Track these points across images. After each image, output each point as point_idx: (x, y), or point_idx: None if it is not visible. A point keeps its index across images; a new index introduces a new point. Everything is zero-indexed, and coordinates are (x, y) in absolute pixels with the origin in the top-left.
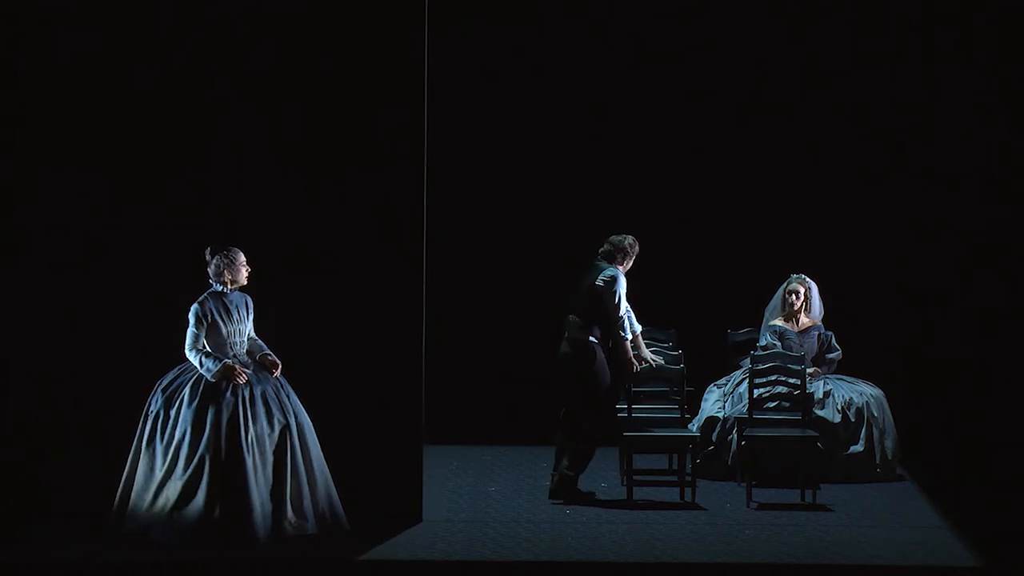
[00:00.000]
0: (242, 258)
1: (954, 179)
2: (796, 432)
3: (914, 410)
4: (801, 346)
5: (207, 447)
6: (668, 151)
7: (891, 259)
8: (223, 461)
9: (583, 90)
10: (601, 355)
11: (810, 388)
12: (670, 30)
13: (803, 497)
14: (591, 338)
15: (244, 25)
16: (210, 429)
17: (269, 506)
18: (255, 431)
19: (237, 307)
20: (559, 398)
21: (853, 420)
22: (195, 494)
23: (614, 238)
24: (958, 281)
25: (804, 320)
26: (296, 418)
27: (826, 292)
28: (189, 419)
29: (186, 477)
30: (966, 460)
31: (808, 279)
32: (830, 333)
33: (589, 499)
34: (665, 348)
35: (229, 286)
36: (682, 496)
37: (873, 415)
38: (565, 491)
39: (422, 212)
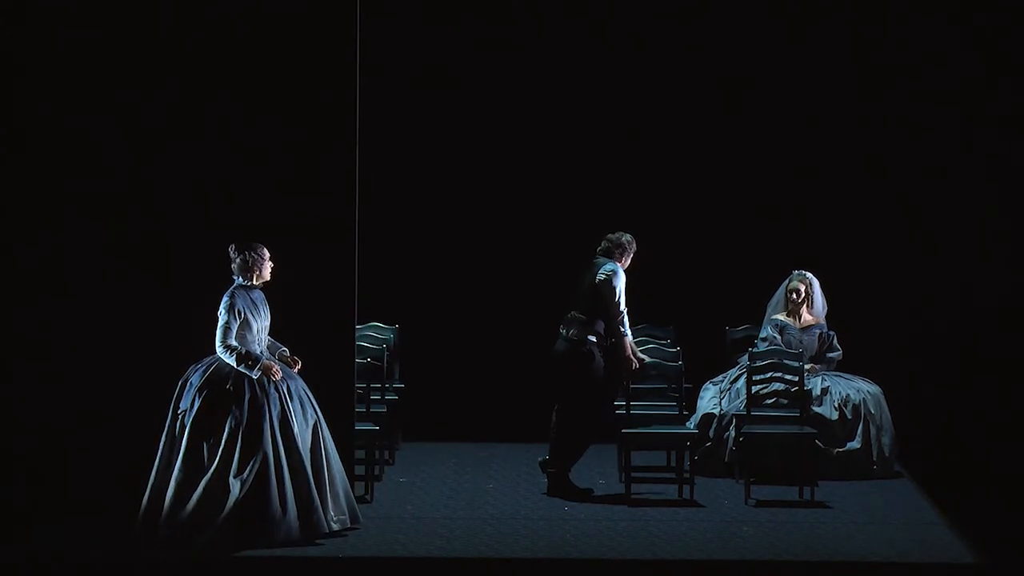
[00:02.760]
0: (267, 254)
1: (955, 177)
2: (794, 429)
3: (913, 407)
4: (800, 342)
5: (267, 447)
6: (667, 148)
7: (891, 256)
8: (285, 458)
9: (583, 85)
10: (598, 355)
11: (808, 385)
12: (670, 24)
13: (801, 494)
14: (590, 336)
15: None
16: (266, 428)
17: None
18: (298, 428)
19: (261, 303)
20: (553, 395)
21: (850, 417)
22: (261, 492)
23: (611, 236)
24: (958, 278)
25: (807, 317)
26: (319, 413)
27: (824, 288)
28: (238, 417)
29: (247, 477)
30: (964, 457)
31: (809, 275)
32: (832, 333)
33: (587, 495)
34: (663, 345)
35: (255, 281)
36: (680, 493)
37: (870, 412)
38: (560, 489)
39: (354, 211)
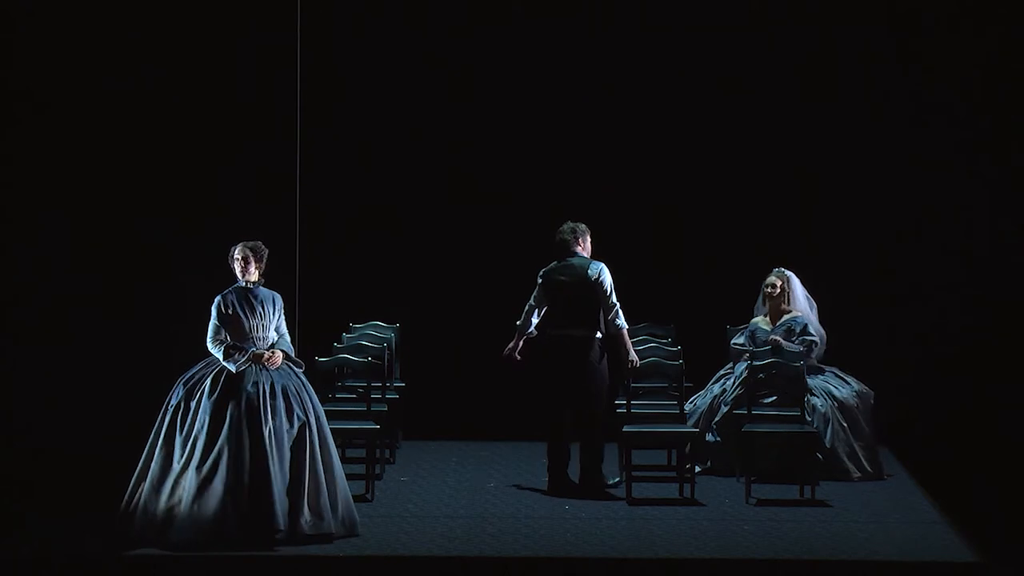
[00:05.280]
0: (244, 252)
1: (952, 176)
2: (794, 428)
3: (912, 405)
4: (767, 341)
5: (226, 439)
6: (667, 148)
7: (891, 254)
8: (242, 454)
9: (585, 85)
10: (603, 349)
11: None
12: (669, 21)
13: (801, 493)
14: (593, 332)
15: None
16: (229, 421)
17: (287, 502)
18: (273, 425)
19: (263, 302)
20: (560, 397)
21: (816, 425)
22: (211, 487)
23: (564, 228)
24: (958, 276)
25: (787, 314)
26: (316, 417)
27: (825, 287)
28: (208, 410)
29: (204, 470)
30: (964, 455)
31: (787, 272)
32: (803, 322)
33: (615, 488)
34: (664, 344)
35: (247, 279)
36: (681, 492)
37: (839, 423)
38: (594, 484)
39: (295, 215)
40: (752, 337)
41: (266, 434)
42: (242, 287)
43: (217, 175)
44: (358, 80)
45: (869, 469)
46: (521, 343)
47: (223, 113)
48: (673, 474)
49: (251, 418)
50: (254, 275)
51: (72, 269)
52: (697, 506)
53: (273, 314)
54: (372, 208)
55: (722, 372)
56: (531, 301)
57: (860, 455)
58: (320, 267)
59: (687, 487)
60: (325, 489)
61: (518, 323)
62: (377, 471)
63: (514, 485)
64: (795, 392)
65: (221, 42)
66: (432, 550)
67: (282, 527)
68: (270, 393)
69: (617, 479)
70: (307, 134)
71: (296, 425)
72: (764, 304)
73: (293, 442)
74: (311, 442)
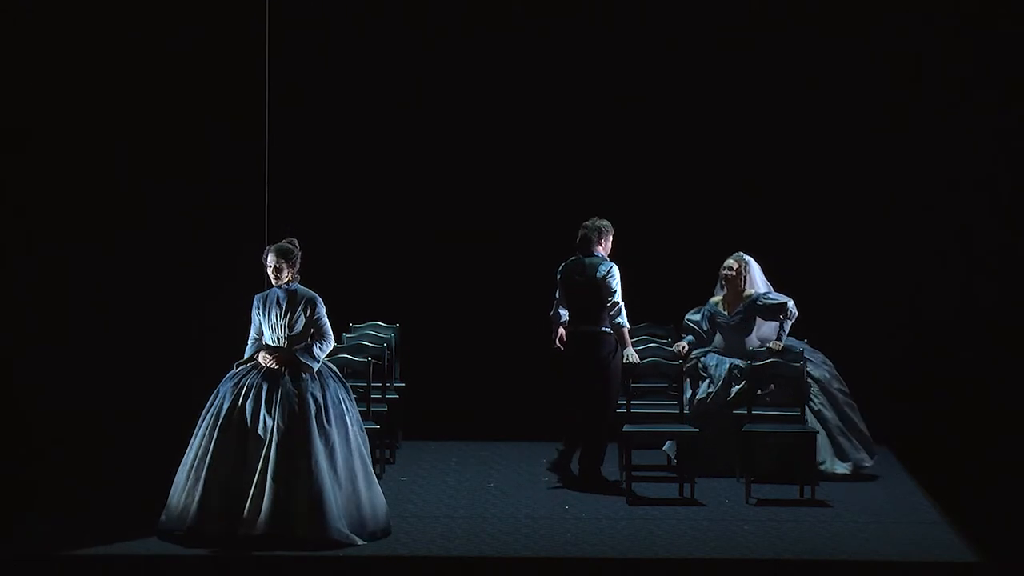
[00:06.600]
0: (269, 257)
1: (946, 174)
2: (795, 428)
3: (912, 405)
4: (730, 324)
5: (200, 436)
6: (667, 148)
7: (890, 253)
8: (199, 450)
9: (588, 85)
10: (614, 348)
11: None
12: (669, 23)
13: (802, 493)
14: (604, 328)
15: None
16: (205, 418)
17: (194, 498)
18: (231, 421)
19: (290, 304)
20: (574, 393)
21: None
22: (176, 479)
23: (587, 224)
24: (958, 274)
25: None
26: (295, 422)
27: (824, 286)
28: (206, 408)
29: (184, 464)
30: (964, 455)
31: (746, 256)
32: (761, 293)
33: (617, 487)
34: (663, 344)
35: (277, 281)
36: (681, 492)
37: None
38: (593, 482)
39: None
40: (711, 319)
41: (215, 430)
42: (274, 289)
43: (214, 175)
44: (357, 78)
45: (854, 465)
46: (561, 331)
47: (221, 112)
48: (673, 474)
49: (213, 414)
50: (285, 277)
51: (70, 269)
52: (697, 506)
53: (300, 315)
54: (372, 208)
55: (689, 364)
56: (556, 295)
57: (845, 450)
58: (320, 267)
59: (687, 487)
60: (279, 496)
61: (551, 314)
62: (377, 471)
63: (514, 485)
64: (796, 391)
65: (220, 43)
66: (432, 550)
67: (187, 524)
68: (245, 392)
69: (617, 480)
70: (306, 134)
71: (261, 427)
72: (722, 288)
73: (257, 443)
74: (275, 448)
